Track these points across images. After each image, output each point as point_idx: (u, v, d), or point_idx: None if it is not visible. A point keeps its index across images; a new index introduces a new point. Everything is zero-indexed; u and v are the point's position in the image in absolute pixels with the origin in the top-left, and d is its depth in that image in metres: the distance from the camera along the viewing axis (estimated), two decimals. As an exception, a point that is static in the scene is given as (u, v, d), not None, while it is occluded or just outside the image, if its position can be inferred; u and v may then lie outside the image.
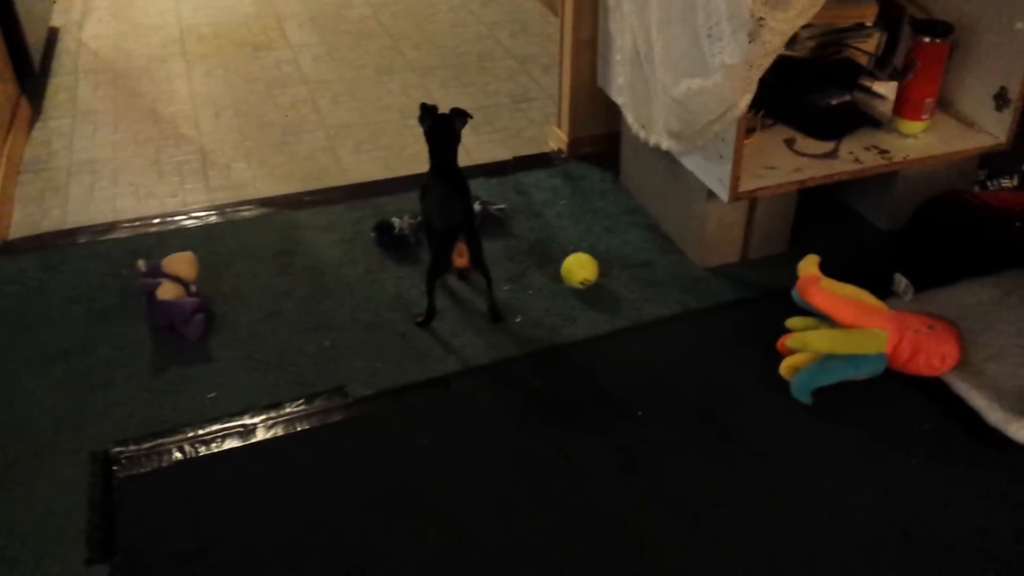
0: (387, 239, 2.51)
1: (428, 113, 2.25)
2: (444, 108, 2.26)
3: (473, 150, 3.02)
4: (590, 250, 2.44)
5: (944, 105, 2.51)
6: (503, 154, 3.02)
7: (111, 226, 2.63)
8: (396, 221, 2.52)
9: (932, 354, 1.95)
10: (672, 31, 2.13)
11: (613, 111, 2.73)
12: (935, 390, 2.00)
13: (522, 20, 4.06)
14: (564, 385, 2.07)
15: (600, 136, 2.93)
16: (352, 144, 3.08)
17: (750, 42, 1.90)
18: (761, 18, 1.87)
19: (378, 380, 2.08)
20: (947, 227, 2.32)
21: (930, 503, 1.78)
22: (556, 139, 3.02)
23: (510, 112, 3.29)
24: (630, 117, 2.53)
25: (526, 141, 3.10)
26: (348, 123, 3.22)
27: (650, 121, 2.42)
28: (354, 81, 3.53)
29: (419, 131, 2.27)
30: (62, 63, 3.67)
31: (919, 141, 2.41)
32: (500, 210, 2.63)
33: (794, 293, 2.07)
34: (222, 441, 1.92)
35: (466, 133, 2.29)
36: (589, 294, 2.34)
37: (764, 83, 2.02)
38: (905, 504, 1.77)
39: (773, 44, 1.92)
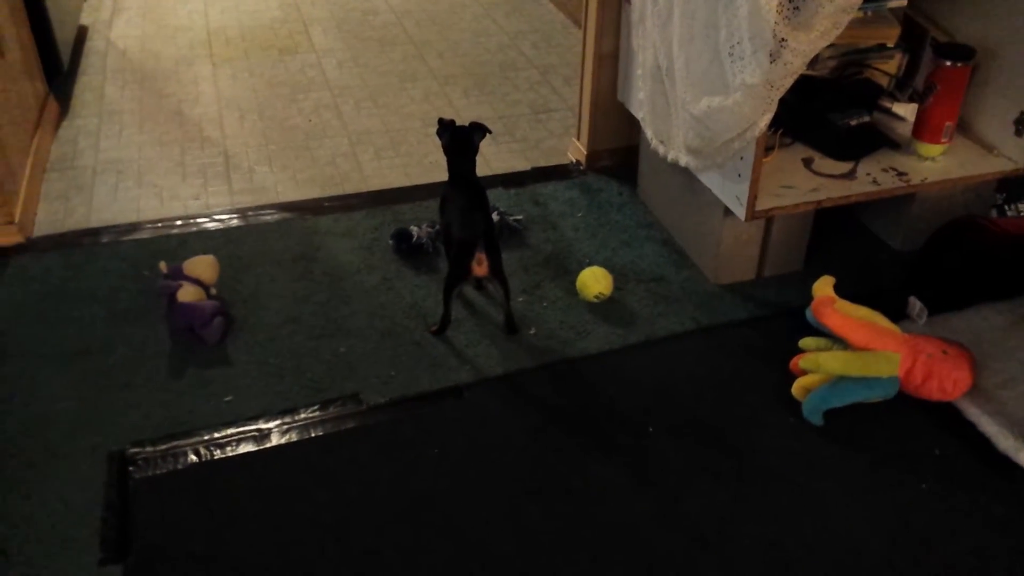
0: (405, 247, 2.53)
1: (446, 128, 2.27)
2: (465, 119, 2.28)
3: (492, 159, 3.04)
4: (605, 263, 2.45)
5: (963, 128, 2.51)
6: (522, 164, 3.04)
7: (134, 227, 2.67)
8: (414, 229, 2.55)
9: (945, 379, 1.95)
10: (694, 48, 2.14)
11: (632, 125, 2.75)
12: (947, 415, 2.00)
13: (545, 31, 4.08)
14: (576, 398, 2.08)
15: (618, 149, 2.95)
16: (373, 151, 3.11)
17: (771, 62, 1.91)
18: (783, 39, 1.88)
19: (392, 388, 2.10)
20: (962, 251, 2.31)
21: (938, 529, 1.78)
22: (575, 151, 3.03)
23: (530, 123, 3.31)
24: (649, 132, 2.53)
25: (545, 152, 3.11)
26: (370, 129, 3.24)
27: (669, 137, 2.43)
28: (377, 88, 3.55)
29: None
30: (90, 62, 3.71)
31: (937, 164, 2.41)
32: (517, 221, 2.65)
33: (808, 314, 2.08)
34: (237, 445, 1.94)
35: (486, 143, 2.32)
36: (603, 308, 2.35)
37: (783, 102, 2.02)
38: (914, 529, 1.78)
39: (794, 65, 1.93)
